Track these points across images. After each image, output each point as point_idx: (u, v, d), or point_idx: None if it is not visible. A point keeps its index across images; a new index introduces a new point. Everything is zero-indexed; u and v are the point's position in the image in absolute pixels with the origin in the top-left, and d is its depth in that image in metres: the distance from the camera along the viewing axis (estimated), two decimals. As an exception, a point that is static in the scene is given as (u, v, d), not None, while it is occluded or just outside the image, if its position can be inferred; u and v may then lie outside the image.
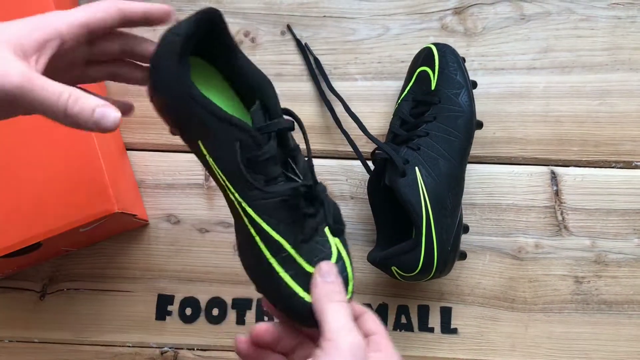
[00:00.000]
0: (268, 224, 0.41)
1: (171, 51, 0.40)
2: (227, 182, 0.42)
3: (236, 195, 0.42)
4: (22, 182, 0.56)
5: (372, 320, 0.43)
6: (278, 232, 0.41)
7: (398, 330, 0.62)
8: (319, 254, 0.42)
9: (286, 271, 0.42)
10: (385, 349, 0.41)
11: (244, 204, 0.42)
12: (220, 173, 0.42)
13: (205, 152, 0.42)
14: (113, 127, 0.35)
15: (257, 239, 0.42)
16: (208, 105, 0.41)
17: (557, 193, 0.62)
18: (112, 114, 0.35)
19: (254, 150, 0.41)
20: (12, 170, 0.56)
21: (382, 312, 0.62)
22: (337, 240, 0.44)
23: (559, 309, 0.62)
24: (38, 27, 0.36)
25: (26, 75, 0.34)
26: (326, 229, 0.43)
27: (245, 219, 0.42)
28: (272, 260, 0.42)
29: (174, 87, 0.40)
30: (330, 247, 0.43)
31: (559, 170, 0.63)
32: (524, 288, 0.62)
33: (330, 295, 0.40)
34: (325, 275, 0.41)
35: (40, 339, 0.65)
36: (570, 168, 0.63)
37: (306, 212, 0.42)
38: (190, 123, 0.42)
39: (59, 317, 0.64)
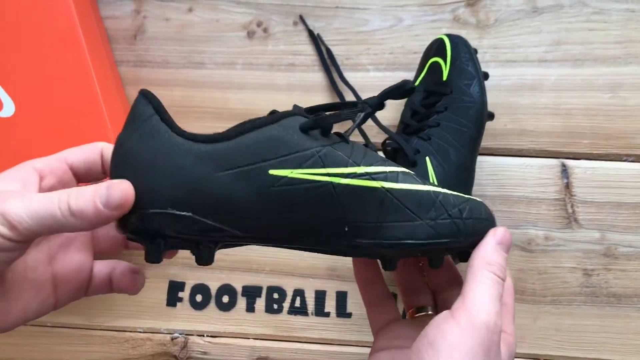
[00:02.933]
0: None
1: None
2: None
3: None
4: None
5: (507, 295, 0.40)
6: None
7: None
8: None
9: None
10: (508, 329, 0.39)
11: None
12: None
13: None
14: (125, 199, 0.32)
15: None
16: None
17: (567, 186, 0.62)
18: (115, 190, 0.32)
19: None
20: (26, 158, 0.56)
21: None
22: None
23: (568, 301, 0.62)
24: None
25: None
26: None
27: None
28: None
29: None
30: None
31: (570, 163, 0.63)
32: (533, 280, 0.62)
33: (493, 265, 0.37)
34: (500, 243, 0.38)
35: (53, 324, 0.66)
36: (581, 161, 0.63)
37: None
38: None
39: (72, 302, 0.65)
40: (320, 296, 0.64)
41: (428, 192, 0.38)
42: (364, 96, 0.61)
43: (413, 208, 0.37)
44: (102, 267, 0.41)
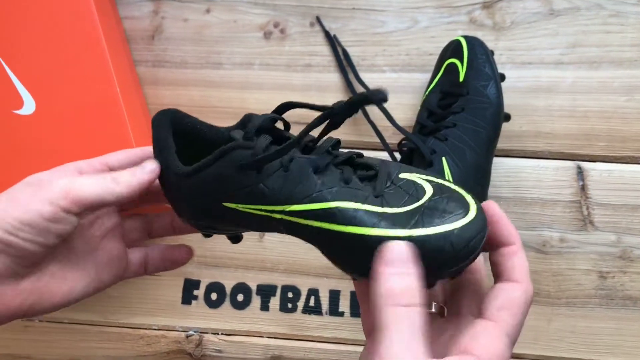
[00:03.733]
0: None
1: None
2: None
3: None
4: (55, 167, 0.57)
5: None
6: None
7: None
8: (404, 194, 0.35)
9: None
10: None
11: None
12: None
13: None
14: (155, 169, 0.38)
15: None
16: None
17: (583, 188, 0.62)
18: (145, 167, 0.38)
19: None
20: (47, 156, 0.57)
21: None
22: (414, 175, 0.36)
23: (583, 304, 0.62)
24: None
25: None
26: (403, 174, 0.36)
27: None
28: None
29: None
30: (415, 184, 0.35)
31: (586, 165, 0.63)
32: (548, 282, 0.62)
33: (395, 297, 0.31)
34: (390, 265, 0.32)
35: (70, 320, 0.66)
36: (596, 163, 0.63)
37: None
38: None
39: (88, 299, 0.65)
40: (334, 296, 0.64)
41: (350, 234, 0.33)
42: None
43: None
44: (136, 253, 0.45)
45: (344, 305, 0.64)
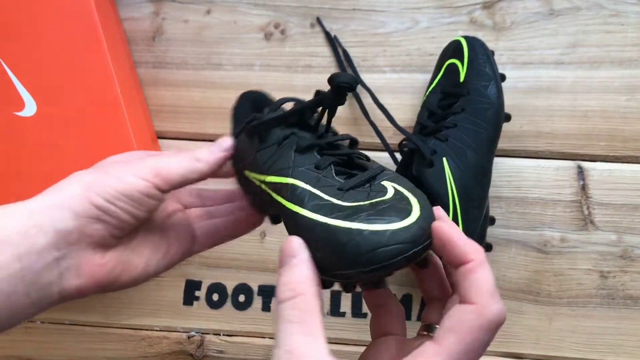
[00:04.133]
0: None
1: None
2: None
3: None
4: (56, 168, 0.57)
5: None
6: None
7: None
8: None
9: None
10: None
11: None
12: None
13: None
14: (229, 144, 0.41)
15: None
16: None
17: (583, 188, 0.62)
18: (222, 141, 0.41)
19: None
20: (48, 157, 0.57)
21: (406, 302, 0.63)
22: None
23: (584, 303, 0.62)
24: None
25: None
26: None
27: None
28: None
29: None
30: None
31: (586, 165, 0.63)
32: (549, 281, 0.62)
33: (278, 294, 0.32)
34: (280, 261, 0.33)
35: (71, 321, 0.66)
36: (597, 163, 0.63)
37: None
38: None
39: (89, 300, 0.65)
40: (335, 296, 0.64)
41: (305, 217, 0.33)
42: (380, 97, 0.62)
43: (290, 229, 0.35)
44: (203, 226, 0.45)
45: (346, 305, 0.64)
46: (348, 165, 0.38)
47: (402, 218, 0.31)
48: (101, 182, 0.36)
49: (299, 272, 0.32)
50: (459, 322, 0.30)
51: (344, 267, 0.31)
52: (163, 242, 0.42)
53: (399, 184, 0.35)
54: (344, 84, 0.35)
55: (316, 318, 0.31)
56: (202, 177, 0.40)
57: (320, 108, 0.39)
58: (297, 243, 0.33)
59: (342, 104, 0.37)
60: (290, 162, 0.37)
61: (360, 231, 0.31)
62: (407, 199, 0.33)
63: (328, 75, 0.64)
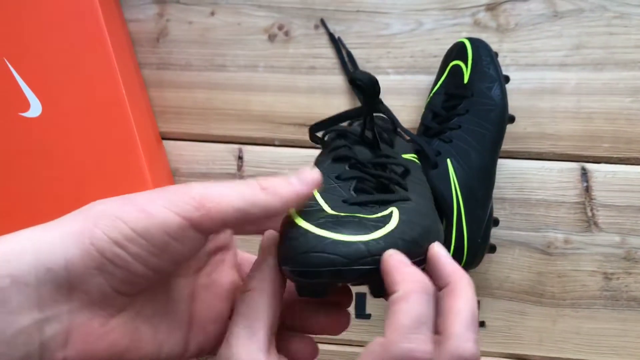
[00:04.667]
0: None
1: None
2: None
3: None
4: (61, 169, 0.58)
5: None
6: None
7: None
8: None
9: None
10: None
11: None
12: None
13: None
14: (318, 177, 0.31)
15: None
16: None
17: (587, 189, 0.62)
18: (305, 173, 0.30)
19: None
20: (53, 158, 0.58)
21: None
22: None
23: (588, 305, 0.62)
24: None
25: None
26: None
27: None
28: None
29: None
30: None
31: (590, 166, 0.63)
32: (553, 283, 0.62)
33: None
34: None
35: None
36: (601, 165, 0.63)
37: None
38: None
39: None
40: (339, 297, 0.64)
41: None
42: (384, 99, 0.62)
43: None
44: None
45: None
46: (381, 188, 0.37)
47: (358, 234, 0.29)
48: (113, 214, 0.26)
49: (258, 269, 0.31)
50: (367, 350, 0.28)
51: (281, 262, 0.31)
52: (185, 321, 0.32)
53: (406, 215, 0.32)
54: (358, 81, 0.36)
55: (260, 314, 0.29)
56: (268, 214, 0.29)
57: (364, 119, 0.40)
58: (266, 239, 0.32)
59: (374, 111, 0.39)
60: (321, 169, 0.34)
61: (309, 232, 0.30)
62: (389, 222, 0.31)
63: (332, 77, 0.65)
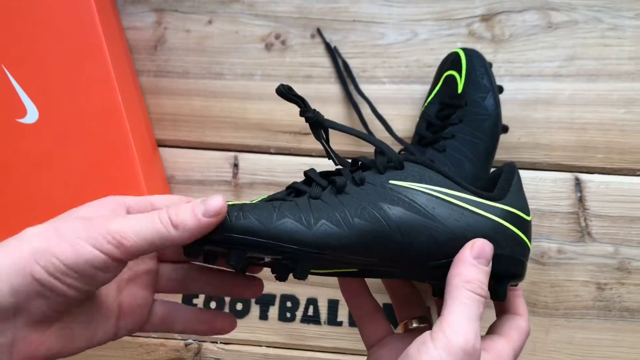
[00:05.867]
0: None
1: None
2: None
3: None
4: (57, 175, 0.58)
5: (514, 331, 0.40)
6: None
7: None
8: None
9: None
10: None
11: None
12: None
13: None
14: (221, 208, 0.34)
15: None
16: None
17: (580, 199, 0.63)
18: (212, 201, 0.34)
19: None
20: (49, 164, 0.58)
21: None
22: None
23: (581, 315, 0.62)
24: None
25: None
26: None
27: None
28: None
29: None
30: None
31: (583, 177, 0.63)
32: (546, 293, 0.62)
33: (471, 283, 0.36)
34: (478, 257, 0.37)
35: (69, 327, 0.66)
36: (594, 175, 0.63)
37: None
38: None
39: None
40: (333, 305, 0.65)
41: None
42: (379, 108, 0.63)
43: None
44: (161, 307, 0.42)
45: (343, 314, 0.64)
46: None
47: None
48: (49, 252, 0.31)
49: (487, 280, 0.38)
50: (517, 325, 0.40)
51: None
52: (112, 312, 0.38)
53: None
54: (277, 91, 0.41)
55: (479, 320, 0.35)
56: (179, 245, 0.34)
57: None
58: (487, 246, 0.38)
59: (316, 135, 0.41)
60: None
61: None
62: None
63: (328, 86, 0.65)
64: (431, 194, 0.38)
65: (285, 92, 0.41)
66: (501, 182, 0.43)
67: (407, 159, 0.41)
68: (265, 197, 0.39)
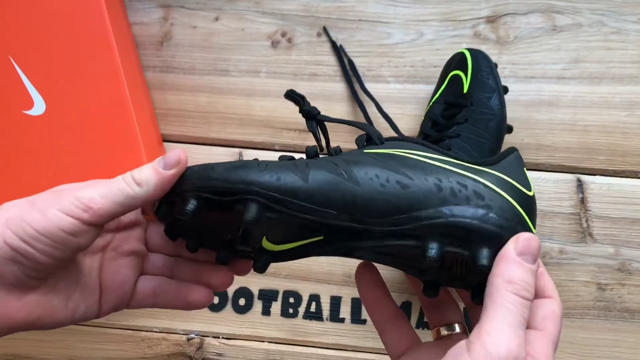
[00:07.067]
0: None
1: None
2: None
3: None
4: (63, 168, 0.58)
5: (548, 320, 0.34)
6: None
7: (421, 328, 0.63)
8: None
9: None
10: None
11: None
12: None
13: None
14: (179, 158, 0.35)
15: None
16: None
17: (582, 200, 0.63)
18: (170, 153, 0.35)
19: None
20: (55, 157, 0.58)
21: (405, 309, 0.64)
22: None
23: (581, 315, 0.63)
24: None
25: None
26: None
27: None
28: None
29: None
30: None
31: (585, 178, 0.64)
32: (547, 292, 0.63)
33: (515, 284, 0.32)
34: (522, 254, 0.33)
35: (71, 321, 0.66)
36: (596, 177, 0.64)
37: None
38: None
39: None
40: (335, 302, 0.65)
41: None
42: (385, 107, 0.63)
43: None
44: (148, 282, 0.41)
45: (345, 311, 0.65)
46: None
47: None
48: (21, 218, 0.33)
49: (533, 280, 0.34)
50: (550, 312, 0.34)
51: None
52: (95, 291, 0.38)
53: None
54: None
55: (524, 327, 0.32)
56: (147, 202, 0.35)
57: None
58: (534, 240, 0.34)
59: (310, 128, 0.41)
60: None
61: None
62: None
63: (333, 84, 0.66)
64: (405, 155, 0.37)
65: (289, 94, 0.42)
66: (495, 156, 0.39)
67: (389, 138, 0.40)
68: None
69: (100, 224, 0.34)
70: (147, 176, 0.35)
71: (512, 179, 0.37)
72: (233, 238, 0.39)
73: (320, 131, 0.41)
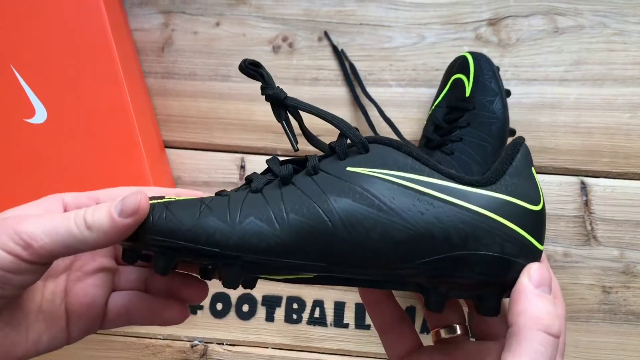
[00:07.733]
0: None
1: None
2: None
3: None
4: (65, 176, 0.58)
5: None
6: None
7: (426, 333, 0.63)
8: None
9: None
10: None
11: None
12: None
13: None
14: (137, 206, 0.31)
15: None
16: None
17: (586, 203, 0.63)
18: (128, 199, 0.31)
19: None
20: (57, 164, 0.58)
21: (409, 314, 0.63)
22: None
23: (586, 318, 0.62)
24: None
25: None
26: None
27: None
28: None
29: None
30: None
31: (589, 180, 0.63)
32: (552, 296, 0.62)
33: (544, 320, 0.29)
34: (541, 286, 0.31)
35: (75, 328, 0.66)
36: (600, 179, 0.63)
37: None
38: None
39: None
40: (339, 307, 0.65)
41: None
42: (386, 111, 0.63)
43: None
44: (119, 300, 0.38)
45: (349, 317, 0.64)
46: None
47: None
48: None
49: (556, 310, 0.32)
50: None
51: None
52: (60, 319, 0.35)
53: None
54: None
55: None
56: (97, 249, 0.31)
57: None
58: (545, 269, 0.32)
59: (277, 116, 0.36)
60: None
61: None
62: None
63: (335, 88, 0.66)
64: (392, 180, 0.32)
65: (245, 67, 0.35)
66: (498, 163, 0.35)
67: (374, 140, 0.35)
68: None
69: (41, 263, 0.30)
70: (99, 221, 0.30)
71: (516, 197, 0.33)
72: (213, 270, 0.36)
73: (294, 119, 0.36)
